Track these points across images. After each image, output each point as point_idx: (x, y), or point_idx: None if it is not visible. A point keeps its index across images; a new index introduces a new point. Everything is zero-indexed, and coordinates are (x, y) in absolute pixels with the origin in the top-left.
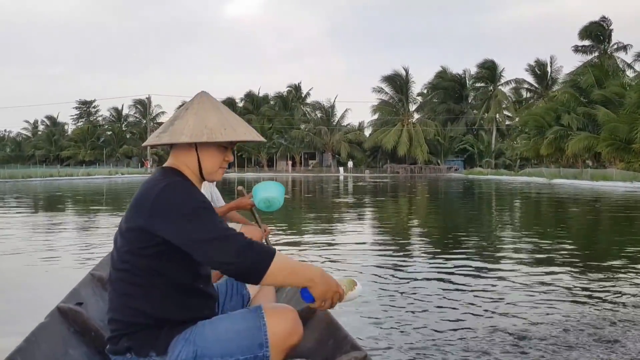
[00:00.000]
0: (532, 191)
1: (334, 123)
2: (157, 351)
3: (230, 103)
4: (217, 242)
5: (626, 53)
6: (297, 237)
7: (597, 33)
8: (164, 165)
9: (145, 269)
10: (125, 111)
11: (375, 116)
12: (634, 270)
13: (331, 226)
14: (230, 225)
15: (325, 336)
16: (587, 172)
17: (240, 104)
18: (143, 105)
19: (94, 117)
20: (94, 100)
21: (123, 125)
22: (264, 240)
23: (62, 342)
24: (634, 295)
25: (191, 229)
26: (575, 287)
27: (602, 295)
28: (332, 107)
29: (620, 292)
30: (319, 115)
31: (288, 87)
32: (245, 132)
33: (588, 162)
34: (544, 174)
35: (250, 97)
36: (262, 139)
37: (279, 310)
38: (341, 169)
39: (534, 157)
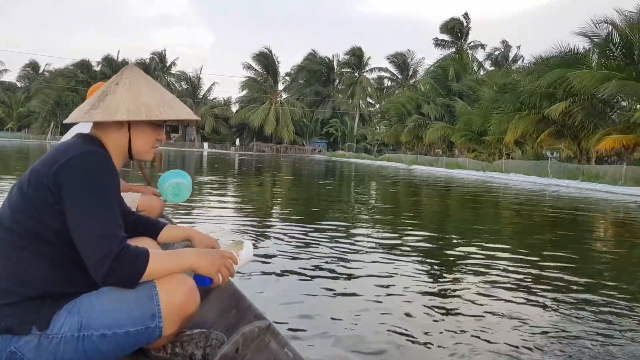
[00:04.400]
0: (397, 175)
1: (200, 96)
2: (38, 326)
3: (84, 65)
4: (97, 240)
5: (484, 50)
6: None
7: (456, 29)
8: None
9: (36, 233)
10: None
11: (244, 93)
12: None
13: (195, 203)
14: (129, 196)
15: (228, 306)
16: (442, 159)
17: (97, 68)
18: None
19: None
20: None
21: None
22: (162, 212)
23: None
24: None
25: (84, 209)
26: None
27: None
28: (199, 79)
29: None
30: (184, 86)
31: (151, 54)
32: (183, 111)
33: (438, 150)
34: (402, 159)
35: (108, 61)
36: (197, 117)
37: (173, 278)
38: (205, 144)
39: (393, 143)
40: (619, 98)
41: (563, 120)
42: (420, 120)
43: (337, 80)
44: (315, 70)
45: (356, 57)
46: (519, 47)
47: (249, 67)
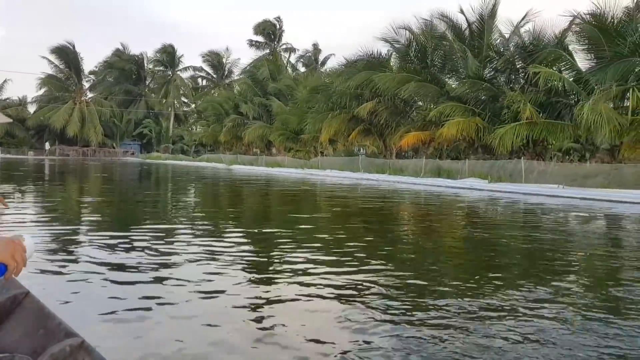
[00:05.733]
0: (217, 175)
1: None
2: None
3: None
4: None
5: (295, 53)
6: None
7: (269, 31)
8: None
9: None
10: None
11: (42, 91)
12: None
13: None
14: None
15: (35, 326)
16: (262, 159)
17: None
18: None
19: None
20: None
21: None
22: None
23: None
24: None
25: None
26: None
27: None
28: None
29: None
30: None
31: None
32: None
33: (257, 150)
34: (222, 159)
35: None
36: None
37: None
38: None
39: (212, 144)
40: (417, 99)
41: (370, 119)
42: (238, 119)
43: (149, 79)
44: (125, 68)
45: (168, 55)
46: (332, 54)
47: (48, 62)
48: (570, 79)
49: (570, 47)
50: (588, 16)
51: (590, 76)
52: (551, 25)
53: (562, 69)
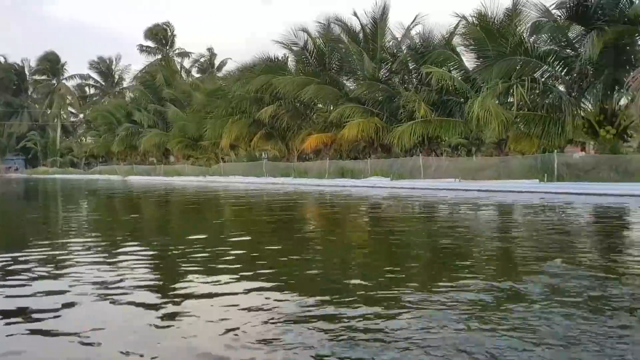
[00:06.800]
0: (112, 188)
1: None
2: None
3: None
4: None
5: (189, 58)
6: None
7: (161, 36)
8: None
9: None
10: None
11: None
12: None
13: None
14: None
15: None
16: (160, 168)
17: None
18: None
19: None
20: None
21: None
22: None
23: None
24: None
25: None
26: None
27: None
28: None
29: None
30: None
31: None
32: None
33: (153, 159)
34: (117, 171)
35: None
36: None
37: None
38: None
39: (104, 155)
40: (317, 101)
41: (272, 123)
42: (132, 128)
43: (31, 89)
44: (2, 78)
45: (51, 63)
46: (228, 58)
47: None
48: (460, 78)
49: (458, 48)
50: (473, 18)
51: (477, 75)
52: (440, 27)
53: (452, 68)
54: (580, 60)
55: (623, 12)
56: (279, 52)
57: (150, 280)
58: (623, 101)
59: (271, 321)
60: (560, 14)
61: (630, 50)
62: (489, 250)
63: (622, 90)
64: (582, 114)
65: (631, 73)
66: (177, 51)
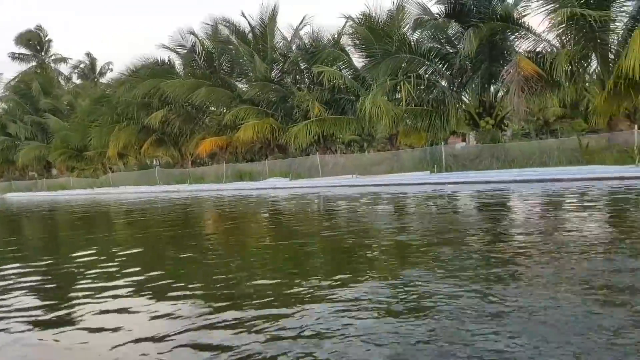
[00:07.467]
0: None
1: None
2: None
3: None
4: None
5: (67, 64)
6: None
7: (35, 42)
8: None
9: None
10: None
11: None
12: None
13: None
14: None
15: None
16: (42, 182)
17: None
18: None
19: None
20: None
21: None
22: None
23: None
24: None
25: None
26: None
27: None
28: None
29: None
30: None
31: None
32: None
33: (34, 173)
34: None
35: None
36: None
37: None
38: None
39: None
40: (209, 104)
41: (163, 128)
42: (7, 141)
43: None
44: None
45: None
46: (109, 62)
47: None
48: (350, 77)
49: (347, 48)
50: (359, 19)
51: (366, 73)
52: (329, 28)
53: (342, 67)
54: (460, 57)
55: (495, 10)
56: (165, 55)
57: (28, 305)
58: (500, 94)
59: (165, 334)
60: (439, 12)
61: (503, 45)
62: (384, 245)
63: (497, 83)
64: (464, 107)
65: (505, 67)
66: (53, 57)
